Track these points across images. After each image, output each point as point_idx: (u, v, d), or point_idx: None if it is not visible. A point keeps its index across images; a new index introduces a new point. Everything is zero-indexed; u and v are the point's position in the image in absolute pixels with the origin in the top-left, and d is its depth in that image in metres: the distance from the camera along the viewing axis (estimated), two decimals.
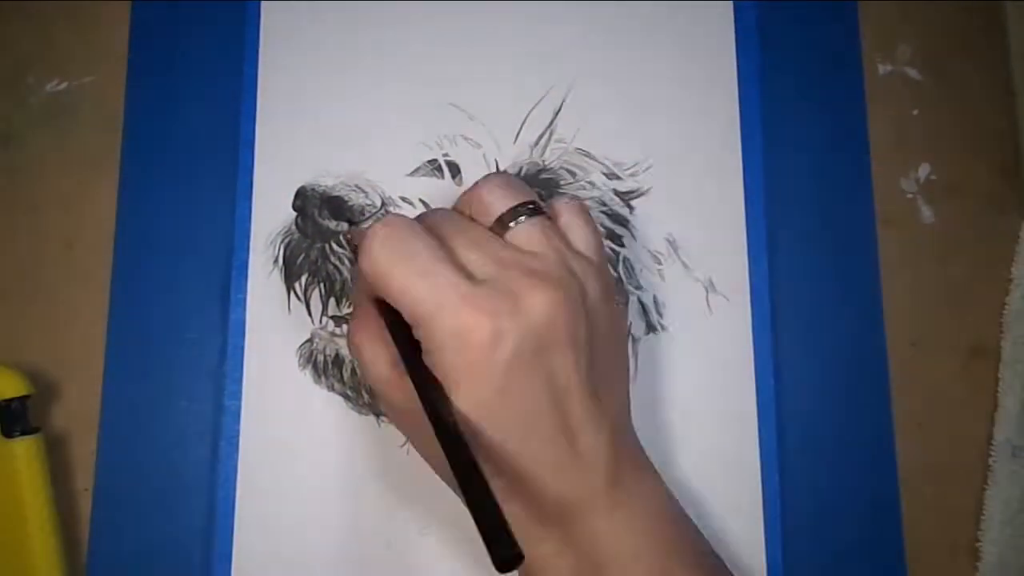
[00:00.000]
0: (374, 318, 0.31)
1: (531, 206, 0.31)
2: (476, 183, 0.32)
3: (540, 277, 0.29)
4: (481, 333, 0.27)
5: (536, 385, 0.28)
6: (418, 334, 0.29)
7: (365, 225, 0.37)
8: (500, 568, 0.24)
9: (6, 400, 0.35)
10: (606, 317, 0.31)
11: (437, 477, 0.35)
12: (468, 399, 0.28)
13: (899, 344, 0.38)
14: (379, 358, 0.30)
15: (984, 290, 0.39)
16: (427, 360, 0.29)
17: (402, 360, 0.29)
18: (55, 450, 0.37)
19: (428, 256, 0.29)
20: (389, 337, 0.30)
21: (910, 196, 0.40)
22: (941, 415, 0.38)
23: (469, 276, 0.29)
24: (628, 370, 0.33)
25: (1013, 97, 0.41)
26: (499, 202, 0.31)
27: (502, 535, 0.24)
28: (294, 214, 0.38)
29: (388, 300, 0.29)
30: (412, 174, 0.39)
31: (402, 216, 0.30)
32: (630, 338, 0.38)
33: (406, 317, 0.29)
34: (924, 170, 0.40)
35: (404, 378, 0.29)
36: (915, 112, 0.41)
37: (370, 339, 0.31)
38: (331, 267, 0.38)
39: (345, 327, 0.37)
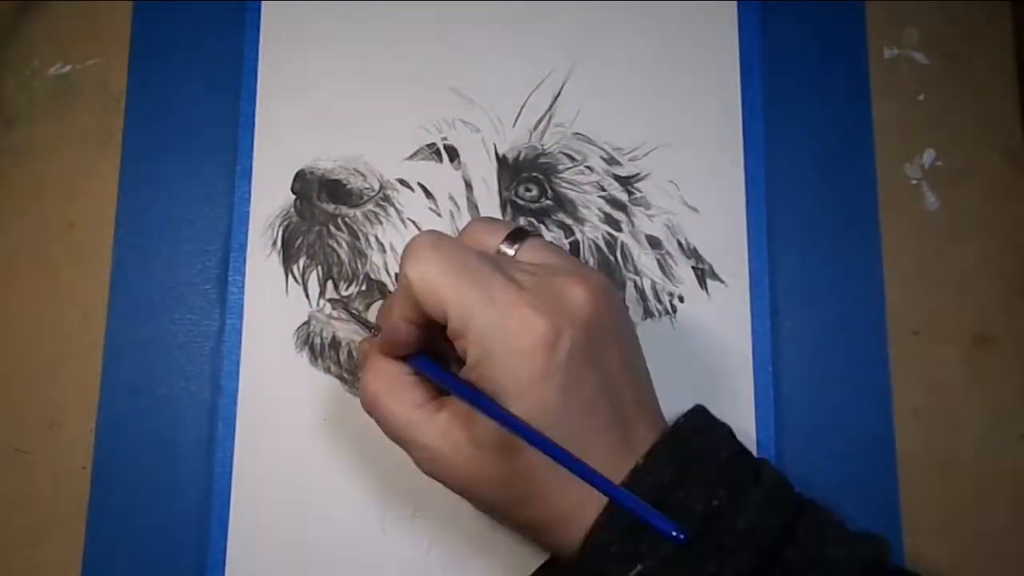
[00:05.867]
0: (385, 367, 0.31)
1: (520, 231, 0.32)
2: (465, 228, 0.33)
3: (573, 275, 0.29)
4: (539, 332, 0.28)
5: (593, 378, 0.28)
6: (463, 346, 0.29)
7: (359, 210, 0.38)
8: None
9: None
10: (625, 311, 0.32)
11: None
12: (530, 400, 0.28)
13: (900, 332, 0.38)
14: (402, 402, 0.31)
15: (989, 278, 0.39)
16: (471, 375, 0.29)
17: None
18: (54, 429, 0.37)
19: (479, 265, 0.29)
20: (407, 381, 0.31)
21: (914, 182, 0.39)
22: (942, 404, 0.38)
23: (516, 283, 0.29)
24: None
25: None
26: (496, 233, 0.32)
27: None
28: (293, 197, 0.38)
29: (435, 310, 0.29)
30: (411, 158, 0.39)
31: (439, 232, 0.31)
32: None
33: (453, 327, 0.29)
34: (929, 156, 0.40)
35: (432, 415, 0.30)
36: (921, 97, 0.40)
37: (387, 386, 0.31)
38: (329, 250, 0.38)
39: (341, 310, 0.37)
